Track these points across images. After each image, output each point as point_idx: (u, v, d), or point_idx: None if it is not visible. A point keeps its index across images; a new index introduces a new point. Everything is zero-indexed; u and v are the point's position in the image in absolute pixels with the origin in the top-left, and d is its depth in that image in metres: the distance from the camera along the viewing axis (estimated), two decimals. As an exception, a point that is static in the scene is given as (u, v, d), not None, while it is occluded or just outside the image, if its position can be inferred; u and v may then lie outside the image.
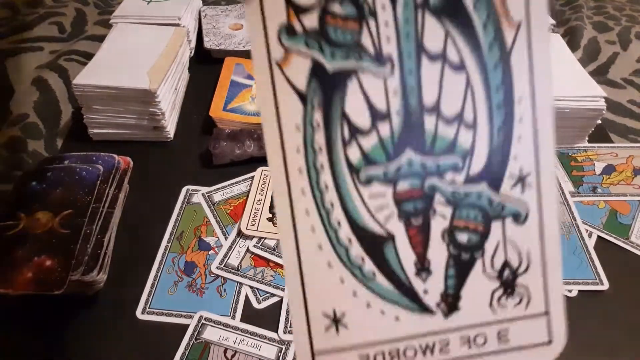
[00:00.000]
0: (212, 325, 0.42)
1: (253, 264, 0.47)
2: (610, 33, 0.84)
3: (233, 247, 0.48)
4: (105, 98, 0.55)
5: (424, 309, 0.19)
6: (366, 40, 0.17)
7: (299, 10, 0.17)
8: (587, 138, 0.61)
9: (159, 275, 0.46)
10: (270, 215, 0.50)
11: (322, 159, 0.18)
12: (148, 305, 0.43)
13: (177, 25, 0.69)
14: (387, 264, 0.19)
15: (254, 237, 0.48)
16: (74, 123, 0.62)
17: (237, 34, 0.74)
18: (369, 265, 0.19)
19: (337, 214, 0.18)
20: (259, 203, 0.51)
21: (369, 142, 0.18)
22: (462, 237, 0.19)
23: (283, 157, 0.18)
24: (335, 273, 0.19)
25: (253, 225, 0.49)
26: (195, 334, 0.41)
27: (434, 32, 0.17)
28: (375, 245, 0.19)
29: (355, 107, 0.18)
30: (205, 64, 0.72)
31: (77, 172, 0.49)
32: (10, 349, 0.40)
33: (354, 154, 0.18)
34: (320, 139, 0.18)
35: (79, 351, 0.40)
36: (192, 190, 0.54)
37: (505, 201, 0.19)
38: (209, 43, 0.72)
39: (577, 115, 0.57)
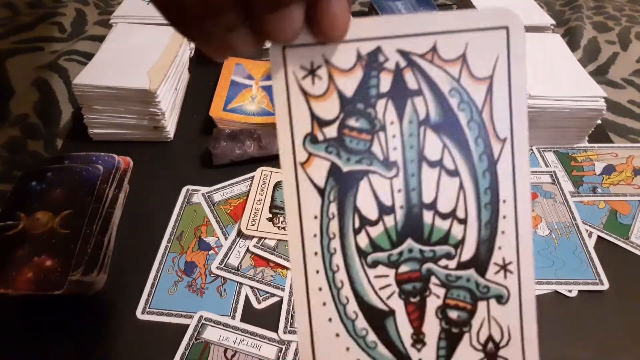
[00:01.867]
0: (212, 325, 0.42)
1: (253, 264, 0.47)
2: (610, 33, 0.84)
3: (233, 247, 0.48)
4: (105, 98, 0.55)
5: None
6: (376, 149, 0.21)
7: (322, 123, 0.21)
8: (587, 138, 0.61)
9: (159, 275, 0.46)
10: (270, 216, 0.50)
11: (335, 244, 0.21)
12: (148, 305, 0.43)
13: (177, 25, 0.69)
14: (387, 336, 0.22)
15: (254, 237, 0.48)
16: (74, 123, 0.61)
17: (237, 34, 0.74)
18: (371, 337, 0.21)
19: (346, 291, 0.21)
20: (259, 203, 0.51)
21: (376, 231, 0.21)
22: (453, 314, 0.22)
23: (302, 241, 0.21)
24: (342, 343, 0.21)
25: (253, 225, 0.49)
26: (195, 334, 0.41)
27: (433, 144, 0.21)
28: (378, 318, 0.22)
29: (365, 202, 0.21)
30: (205, 64, 0.72)
31: (77, 172, 0.49)
32: (10, 349, 0.41)
33: (363, 241, 0.21)
34: (334, 227, 0.21)
35: (79, 351, 0.40)
36: (192, 190, 0.54)
37: (489, 285, 0.22)
38: (209, 43, 0.72)
39: (577, 115, 0.57)
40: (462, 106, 0.21)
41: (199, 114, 0.63)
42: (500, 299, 0.22)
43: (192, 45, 0.73)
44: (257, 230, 0.48)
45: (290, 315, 0.42)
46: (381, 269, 0.21)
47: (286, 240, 0.48)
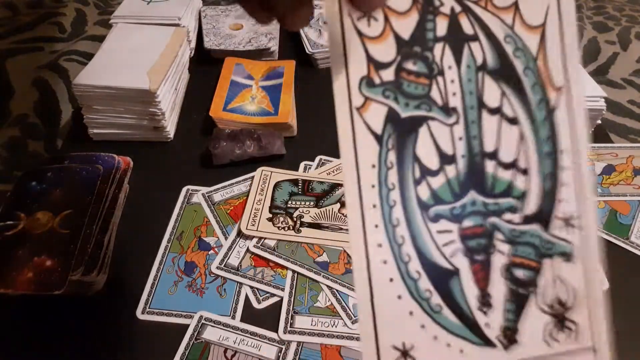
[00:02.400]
0: (212, 325, 0.42)
1: (253, 264, 0.47)
2: (610, 33, 0.84)
3: (233, 247, 0.48)
4: (105, 98, 0.55)
5: (486, 342, 0.20)
6: (435, 94, 0.20)
7: (378, 66, 0.20)
8: (587, 138, 0.61)
9: (159, 275, 0.46)
10: (270, 216, 0.50)
11: (395, 195, 0.20)
12: (148, 305, 0.43)
13: (177, 25, 0.69)
14: (452, 298, 0.20)
15: (254, 237, 0.48)
16: (74, 123, 0.61)
17: (237, 34, 0.74)
18: (435, 299, 0.20)
19: (407, 248, 0.20)
20: (259, 203, 0.51)
21: (437, 182, 0.20)
22: (519, 273, 0.20)
23: (359, 192, 0.19)
24: (405, 306, 0.20)
25: (253, 225, 0.49)
26: (195, 334, 0.41)
27: (492, 90, 0.20)
28: (442, 279, 0.20)
29: (425, 150, 0.20)
30: (205, 64, 0.72)
31: (77, 172, 0.49)
32: (10, 349, 0.40)
33: (424, 193, 0.20)
34: (393, 177, 0.20)
35: (79, 351, 0.40)
36: (192, 190, 0.54)
37: (554, 240, 0.21)
38: (209, 43, 0.72)
39: (577, 115, 0.57)
40: (517, 53, 0.20)
41: (199, 114, 0.63)
42: (565, 256, 0.21)
43: (192, 45, 0.73)
44: (257, 230, 0.48)
45: (290, 315, 0.42)
46: (444, 224, 0.20)
47: (286, 241, 0.48)
